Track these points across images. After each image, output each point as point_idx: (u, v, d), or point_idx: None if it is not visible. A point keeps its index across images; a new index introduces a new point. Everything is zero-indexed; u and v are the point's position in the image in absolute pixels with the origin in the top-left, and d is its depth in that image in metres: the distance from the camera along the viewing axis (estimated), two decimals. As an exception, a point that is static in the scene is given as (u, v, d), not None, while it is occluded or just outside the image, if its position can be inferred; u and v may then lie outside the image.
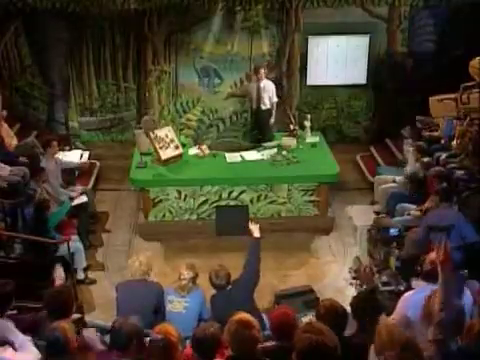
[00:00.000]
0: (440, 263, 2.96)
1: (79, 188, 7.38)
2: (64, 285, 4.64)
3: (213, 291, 4.98)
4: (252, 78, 8.65)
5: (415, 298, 3.71)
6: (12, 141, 7.71)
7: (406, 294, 4.03)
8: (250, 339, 3.10)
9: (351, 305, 3.65)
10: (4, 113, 7.69)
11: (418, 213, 6.21)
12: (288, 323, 3.52)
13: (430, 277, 3.80)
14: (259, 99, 8.37)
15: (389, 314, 3.95)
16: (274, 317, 3.65)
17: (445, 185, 5.85)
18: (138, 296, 4.80)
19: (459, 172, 6.58)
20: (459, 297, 3.51)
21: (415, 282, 4.09)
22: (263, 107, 8.44)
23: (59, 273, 4.44)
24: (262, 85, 8.33)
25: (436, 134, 7.76)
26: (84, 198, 7.22)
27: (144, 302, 4.77)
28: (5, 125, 7.70)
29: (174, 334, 3.29)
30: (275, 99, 8.51)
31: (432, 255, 3.86)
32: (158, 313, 4.89)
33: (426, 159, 6.94)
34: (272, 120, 8.65)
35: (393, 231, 5.85)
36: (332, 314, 3.38)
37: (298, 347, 2.76)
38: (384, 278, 5.54)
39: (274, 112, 8.60)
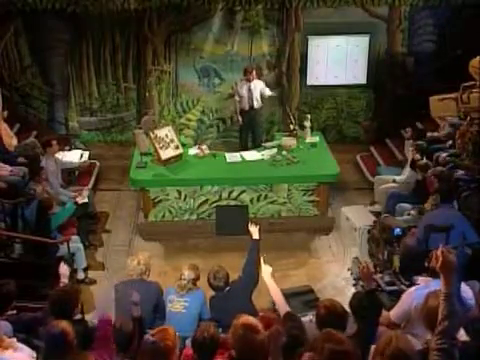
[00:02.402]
0: (439, 270, 2.92)
1: (85, 192, 7.31)
2: (71, 285, 4.62)
3: (213, 291, 4.98)
4: (242, 79, 8.53)
5: (419, 293, 3.71)
6: (12, 141, 7.72)
7: (410, 289, 4.03)
8: (257, 343, 3.07)
9: (351, 305, 3.64)
10: (5, 113, 7.72)
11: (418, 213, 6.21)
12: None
13: (437, 273, 3.80)
14: (251, 99, 8.36)
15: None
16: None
17: (445, 185, 5.84)
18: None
19: (459, 172, 6.58)
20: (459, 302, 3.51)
21: (420, 279, 4.10)
22: (256, 106, 8.44)
23: (64, 270, 4.41)
24: (253, 85, 8.33)
25: (437, 134, 7.75)
26: (85, 198, 7.22)
27: (143, 302, 4.75)
28: (5, 125, 7.72)
29: (171, 339, 3.26)
30: (270, 92, 8.41)
31: (439, 251, 3.86)
32: (157, 312, 4.88)
33: (424, 161, 6.94)
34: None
35: (397, 231, 5.84)
36: (332, 314, 3.37)
37: (319, 357, 2.75)
38: (387, 278, 5.52)
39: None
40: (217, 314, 4.74)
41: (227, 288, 4.86)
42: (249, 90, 8.33)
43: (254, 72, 8.35)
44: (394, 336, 2.76)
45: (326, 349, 2.74)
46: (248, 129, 8.68)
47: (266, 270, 4.30)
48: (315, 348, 2.81)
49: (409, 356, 2.70)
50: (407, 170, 7.19)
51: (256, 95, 8.37)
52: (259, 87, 8.40)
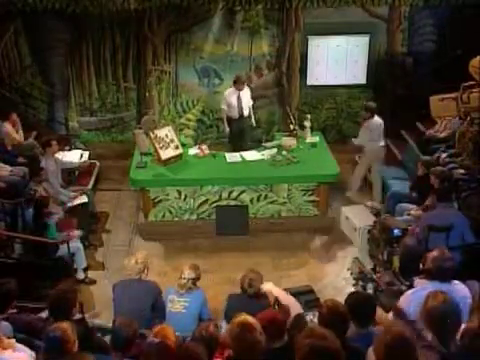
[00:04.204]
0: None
1: (73, 194, 7.26)
2: (69, 285, 4.63)
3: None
4: (233, 88, 8.22)
5: (416, 295, 3.71)
6: (15, 139, 7.76)
7: (408, 291, 4.03)
8: (252, 342, 3.07)
9: (346, 305, 3.63)
10: (15, 117, 7.90)
11: (418, 213, 6.21)
12: (276, 323, 3.50)
13: (432, 275, 3.80)
14: (241, 108, 8.20)
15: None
16: (261, 320, 3.61)
17: (442, 184, 5.85)
18: (135, 295, 4.80)
19: (459, 172, 6.58)
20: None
21: (417, 280, 4.10)
22: (245, 114, 8.28)
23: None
24: (242, 94, 8.19)
25: (439, 135, 7.75)
26: (84, 198, 7.23)
27: (141, 301, 4.78)
28: (9, 126, 7.78)
29: (171, 338, 3.27)
30: (251, 102, 8.40)
31: (434, 253, 3.87)
32: (156, 312, 4.89)
33: (427, 157, 6.94)
34: (254, 122, 8.57)
35: (397, 231, 5.84)
36: (335, 314, 3.35)
37: (300, 352, 2.75)
38: (386, 278, 5.52)
39: (252, 114, 8.53)
40: (234, 311, 4.66)
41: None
42: (238, 98, 8.16)
43: (245, 83, 8.22)
44: (392, 324, 2.78)
45: (307, 344, 2.73)
46: (238, 137, 8.36)
47: (268, 285, 4.33)
48: (297, 344, 2.80)
49: (408, 339, 2.76)
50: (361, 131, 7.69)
51: (245, 103, 8.22)
52: (247, 95, 8.27)
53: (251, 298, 4.72)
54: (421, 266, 4.02)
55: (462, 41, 8.59)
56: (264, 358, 3.13)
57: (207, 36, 9.14)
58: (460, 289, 3.79)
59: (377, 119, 7.60)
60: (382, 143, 7.73)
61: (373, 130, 7.58)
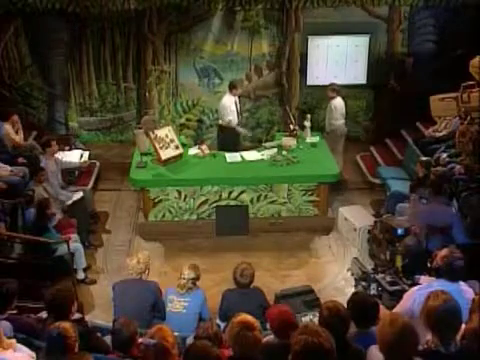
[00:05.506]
0: None
1: (70, 194, 7.27)
2: (65, 284, 4.64)
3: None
4: (231, 93, 8.09)
5: (420, 293, 3.71)
6: (14, 140, 7.75)
7: (413, 288, 4.03)
8: (252, 341, 3.09)
9: (348, 305, 3.63)
10: (15, 117, 7.84)
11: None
12: (287, 321, 3.52)
13: (441, 273, 3.80)
14: (239, 113, 8.16)
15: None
16: (273, 316, 3.64)
17: (439, 179, 5.86)
18: (135, 295, 4.81)
19: (459, 172, 6.58)
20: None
21: (422, 278, 4.09)
22: (238, 120, 8.23)
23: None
24: (237, 99, 8.15)
25: (439, 134, 7.75)
26: (79, 193, 7.22)
27: (141, 301, 4.79)
28: (9, 127, 7.78)
29: (169, 339, 3.26)
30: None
31: (443, 251, 3.87)
32: (156, 312, 4.89)
33: (426, 158, 6.95)
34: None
35: (401, 231, 5.84)
36: (335, 316, 3.35)
37: (294, 348, 2.77)
38: (389, 278, 5.52)
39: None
40: (231, 308, 4.68)
41: (252, 285, 4.89)
42: (236, 104, 8.10)
43: (239, 88, 8.19)
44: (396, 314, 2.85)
45: (300, 340, 2.75)
46: (233, 145, 8.15)
47: None
48: (292, 340, 2.82)
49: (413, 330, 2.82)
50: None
51: (239, 108, 8.18)
52: (237, 99, 8.21)
53: (246, 290, 4.75)
54: (429, 264, 4.01)
55: (462, 41, 8.60)
56: (279, 355, 3.15)
57: (207, 36, 9.16)
58: (466, 290, 3.79)
59: (339, 99, 8.13)
60: (343, 122, 8.22)
61: (337, 109, 8.09)
